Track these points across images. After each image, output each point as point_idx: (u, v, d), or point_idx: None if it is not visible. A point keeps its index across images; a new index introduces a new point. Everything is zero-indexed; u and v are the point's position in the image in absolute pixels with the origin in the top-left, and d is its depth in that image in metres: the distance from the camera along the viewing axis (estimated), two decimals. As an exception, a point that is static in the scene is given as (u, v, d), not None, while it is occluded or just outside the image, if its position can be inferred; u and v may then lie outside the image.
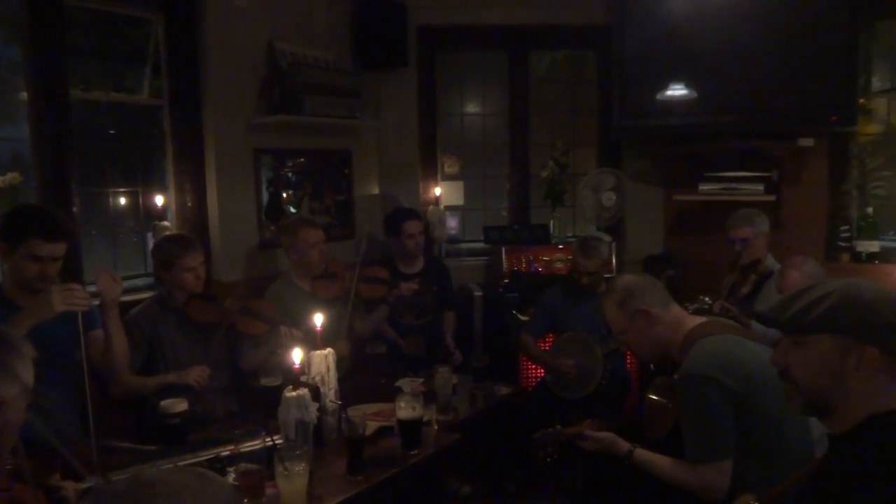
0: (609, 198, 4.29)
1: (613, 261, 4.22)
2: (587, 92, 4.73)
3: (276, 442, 1.92)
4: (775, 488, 1.61)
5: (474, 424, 2.73)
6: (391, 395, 2.65)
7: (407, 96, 4.39)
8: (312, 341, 2.36)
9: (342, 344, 3.14)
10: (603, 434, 2.17)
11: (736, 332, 2.09)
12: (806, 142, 3.86)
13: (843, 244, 3.93)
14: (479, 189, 4.83)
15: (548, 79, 4.93)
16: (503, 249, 4.25)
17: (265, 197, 3.72)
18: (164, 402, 2.29)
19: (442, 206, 4.47)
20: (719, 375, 1.86)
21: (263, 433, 1.98)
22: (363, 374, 3.15)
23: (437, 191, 4.48)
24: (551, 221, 4.52)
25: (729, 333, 2.05)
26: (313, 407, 2.07)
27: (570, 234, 4.69)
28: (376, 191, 4.41)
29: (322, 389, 2.26)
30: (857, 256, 3.89)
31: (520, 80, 4.61)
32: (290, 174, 3.86)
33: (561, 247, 4.34)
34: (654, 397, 2.33)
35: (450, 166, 4.69)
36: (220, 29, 3.43)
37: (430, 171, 4.54)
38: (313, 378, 2.28)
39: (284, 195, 3.83)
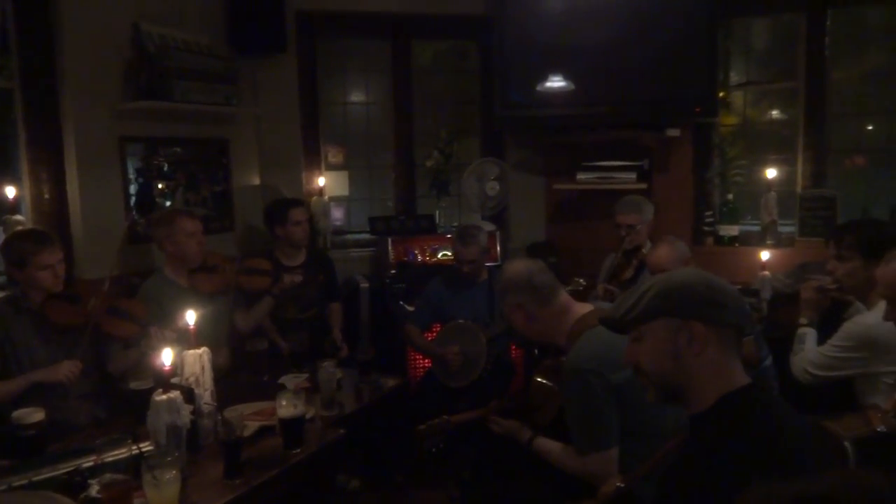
0: (493, 187, 4.35)
1: (498, 249, 4.31)
2: (471, 82, 4.77)
3: (143, 449, 1.80)
4: (639, 468, 1.69)
5: (361, 418, 2.70)
6: (275, 391, 2.59)
7: (287, 83, 4.25)
8: (186, 340, 2.24)
9: (223, 352, 3.01)
10: (509, 421, 2.22)
11: None
12: (673, 132, 4.08)
13: (707, 228, 4.21)
14: (364, 179, 4.77)
15: (432, 68, 4.92)
16: (389, 240, 4.21)
17: (134, 188, 3.49)
18: (17, 413, 2.10)
19: (326, 197, 4.37)
20: (603, 369, 1.91)
21: (129, 440, 1.85)
22: (244, 371, 3.03)
23: (321, 181, 4.38)
24: (437, 211, 4.54)
25: None
26: (186, 410, 1.97)
27: (455, 224, 4.71)
28: (257, 181, 4.24)
29: (197, 391, 2.15)
30: (720, 240, 4.17)
31: (403, 70, 4.58)
32: (162, 164, 3.64)
33: (448, 236, 4.36)
34: (541, 380, 2.38)
35: (333, 156, 4.59)
36: (77, 5, 3.17)
37: (313, 161, 4.43)
38: (187, 379, 2.17)
39: (160, 186, 3.61)
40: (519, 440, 2.17)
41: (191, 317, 2.24)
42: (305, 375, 2.93)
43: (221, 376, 2.88)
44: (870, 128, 4.13)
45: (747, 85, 4.31)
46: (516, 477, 2.24)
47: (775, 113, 4.32)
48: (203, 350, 2.21)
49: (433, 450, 2.31)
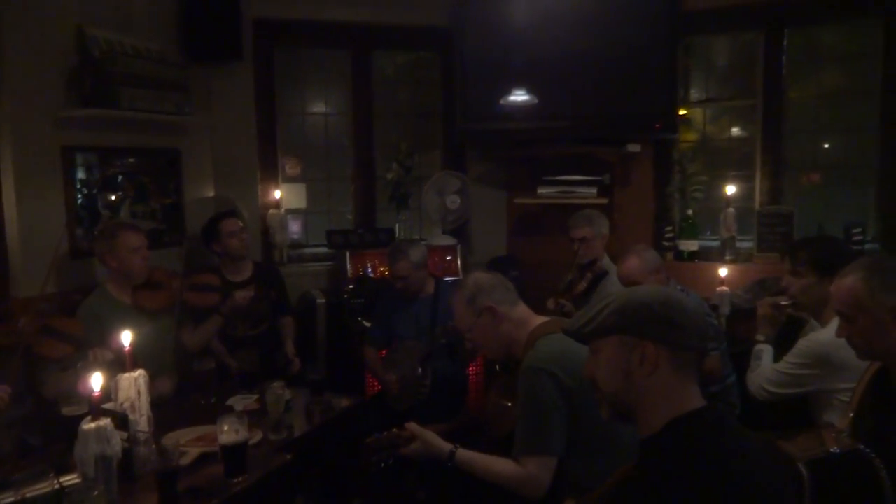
0: (454, 200, 4.29)
1: (459, 263, 4.25)
2: (432, 94, 4.71)
3: (65, 483, 1.67)
4: (592, 493, 1.63)
5: (312, 440, 2.59)
6: (222, 414, 2.47)
7: (242, 92, 4.14)
8: (121, 363, 2.12)
9: (167, 377, 2.88)
10: (426, 435, 2.08)
11: None
12: (634, 147, 4.08)
13: (667, 243, 4.21)
14: (322, 191, 4.66)
15: (394, 80, 4.86)
16: (348, 254, 4.12)
17: (78, 200, 3.33)
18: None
19: (283, 210, 4.26)
20: (558, 371, 1.89)
21: (51, 474, 1.72)
22: (190, 393, 2.90)
23: (278, 193, 4.27)
24: (397, 224, 4.46)
25: None
26: (117, 438, 1.84)
27: (416, 237, 4.65)
28: (210, 193, 4.11)
29: (132, 417, 2.03)
30: (679, 255, 4.17)
31: (363, 80, 4.50)
32: (108, 175, 3.49)
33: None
34: (498, 398, 2.32)
35: (291, 168, 4.48)
36: (17, 8, 3.02)
37: (270, 173, 4.31)
38: (121, 404, 2.05)
39: (112, 197, 3.45)
40: (437, 455, 2.04)
41: (126, 338, 2.12)
42: (255, 396, 2.81)
43: (165, 401, 2.76)
44: (825, 146, 4.18)
45: (707, 102, 4.34)
46: (472, 494, 2.16)
47: (734, 130, 4.35)
48: (139, 373, 2.09)
49: (382, 465, 2.21)
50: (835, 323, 2.18)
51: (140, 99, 3.32)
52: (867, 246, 3.79)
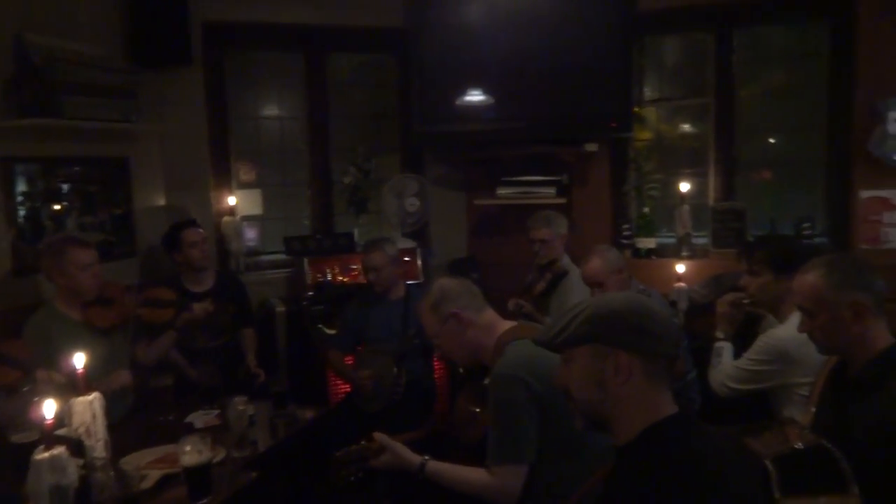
0: (413, 203, 4.26)
1: (419, 265, 4.22)
2: (389, 96, 4.66)
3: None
4: (568, 501, 1.63)
5: (277, 455, 2.53)
6: (182, 432, 2.39)
7: (193, 98, 4.03)
8: (75, 386, 2.03)
9: (123, 373, 2.78)
10: (396, 448, 2.06)
11: None
12: (591, 147, 4.12)
13: (625, 241, 4.25)
14: (278, 197, 4.57)
15: (349, 81, 4.79)
16: (306, 260, 4.05)
17: (21, 213, 3.19)
18: None
19: (238, 217, 4.17)
20: (528, 377, 1.88)
21: (3, 510, 1.64)
22: (147, 411, 2.81)
23: (232, 200, 4.17)
24: (356, 229, 4.41)
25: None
26: (73, 466, 1.77)
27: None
28: (162, 202, 3.99)
29: (87, 442, 1.95)
30: (637, 252, 4.23)
31: (318, 83, 4.43)
32: (52, 186, 3.35)
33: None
34: (467, 405, 2.31)
35: (245, 174, 4.39)
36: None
37: (224, 180, 4.21)
38: (76, 430, 1.96)
39: (57, 208, 3.32)
40: (407, 468, 2.02)
41: (79, 360, 2.03)
42: (216, 411, 2.74)
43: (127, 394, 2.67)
44: (772, 140, 4.28)
45: (660, 101, 4.40)
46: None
47: (687, 128, 4.42)
48: (94, 396, 2.01)
49: (351, 478, 2.18)
50: (793, 318, 2.25)
51: (85, 107, 3.21)
52: (817, 240, 3.90)
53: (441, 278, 2.25)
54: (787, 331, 2.27)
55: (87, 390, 2.02)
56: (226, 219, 4.11)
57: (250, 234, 4.34)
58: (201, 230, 3.49)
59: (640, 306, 1.31)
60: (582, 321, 1.32)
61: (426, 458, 2.01)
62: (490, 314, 2.16)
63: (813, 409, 1.87)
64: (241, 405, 2.44)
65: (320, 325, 3.84)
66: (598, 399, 1.30)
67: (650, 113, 4.41)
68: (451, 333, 2.11)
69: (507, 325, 2.15)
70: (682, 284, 3.80)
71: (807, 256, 2.43)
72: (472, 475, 1.96)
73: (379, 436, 2.08)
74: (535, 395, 1.88)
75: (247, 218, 4.29)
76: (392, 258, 3.42)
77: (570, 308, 1.38)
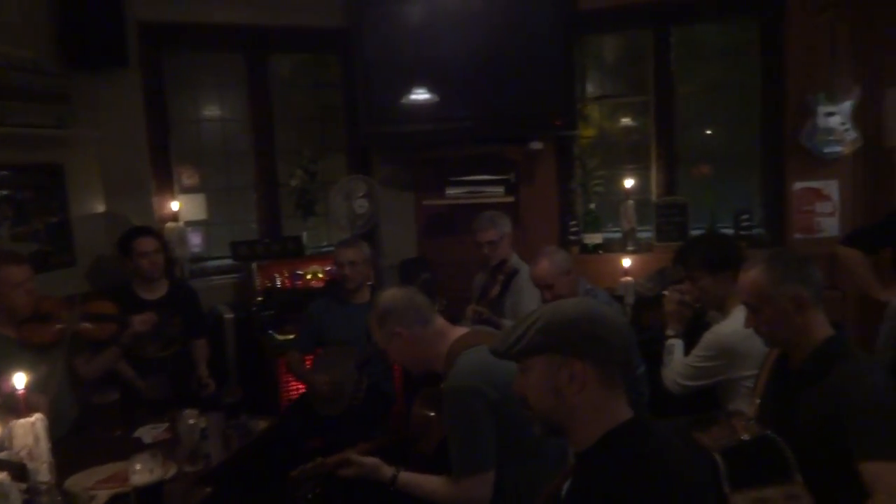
0: (361, 205, 4.23)
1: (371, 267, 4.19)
2: (334, 95, 4.61)
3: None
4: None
5: (232, 468, 2.48)
6: (130, 448, 2.32)
7: (130, 101, 3.89)
8: (14, 408, 1.94)
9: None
10: (367, 459, 2.09)
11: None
12: (536, 145, 4.16)
13: (572, 237, 4.33)
14: (223, 201, 4.47)
15: (292, 82, 4.72)
16: (254, 265, 3.98)
17: (-53, 225, 3.04)
18: None
19: (182, 222, 4.06)
20: (483, 386, 1.89)
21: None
22: (93, 427, 2.71)
23: (175, 205, 4.06)
24: (304, 232, 4.35)
25: (491, 343, 2.09)
26: (16, 493, 1.70)
27: (324, 244, 4.56)
28: (101, 209, 3.85)
29: (30, 465, 1.87)
30: (585, 248, 4.30)
31: (260, 84, 4.35)
32: (-20, 195, 3.20)
33: (317, 257, 4.20)
34: (422, 410, 2.31)
35: (188, 178, 4.28)
36: None
37: (165, 184, 4.09)
38: (17, 453, 1.88)
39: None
40: (380, 479, 2.04)
41: (19, 380, 1.95)
42: (165, 425, 2.67)
43: (65, 434, 2.58)
44: (709, 132, 4.41)
45: (602, 98, 4.48)
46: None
47: (629, 124, 4.52)
48: (36, 417, 1.93)
49: (309, 496, 2.16)
50: (735, 313, 2.33)
51: (14, 112, 3.08)
52: (754, 231, 4.05)
53: (385, 292, 2.20)
54: (730, 326, 2.34)
55: (28, 411, 1.93)
56: (169, 224, 4.00)
57: (195, 240, 4.24)
58: (154, 240, 3.39)
59: (592, 314, 1.32)
60: (536, 331, 1.32)
61: (398, 470, 2.01)
62: (439, 323, 2.14)
63: (757, 401, 1.94)
64: (191, 418, 2.38)
65: (270, 332, 3.77)
66: (555, 407, 1.31)
67: (593, 110, 4.49)
68: (397, 349, 2.12)
69: (459, 332, 2.15)
70: (628, 279, 3.88)
71: (734, 247, 2.54)
72: (441, 486, 1.97)
73: (352, 457, 2.09)
74: (490, 403, 1.89)
75: (191, 223, 4.19)
76: (366, 257, 3.46)
77: (523, 318, 1.38)
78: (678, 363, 2.52)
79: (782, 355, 1.91)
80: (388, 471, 2.03)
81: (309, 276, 4.08)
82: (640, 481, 1.20)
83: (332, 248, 3.98)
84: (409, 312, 2.08)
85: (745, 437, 1.70)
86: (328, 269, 4.09)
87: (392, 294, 2.16)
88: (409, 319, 2.08)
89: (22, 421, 1.90)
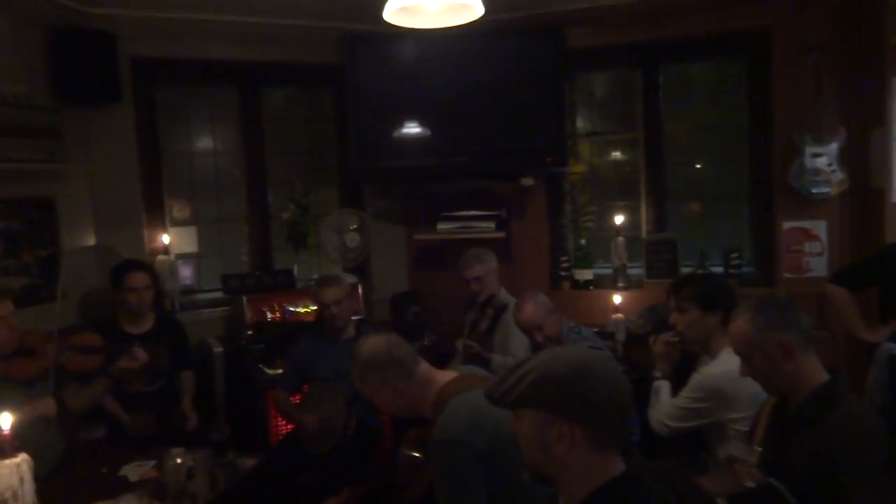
0: (353, 238, 4.24)
1: (360, 300, 4.19)
2: (326, 129, 4.65)
3: None
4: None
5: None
6: (116, 486, 2.30)
7: (123, 135, 3.90)
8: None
9: (49, 400, 2.64)
10: None
11: (485, 385, 2.12)
12: (527, 181, 4.20)
13: (563, 273, 4.34)
14: (214, 234, 4.46)
15: (284, 114, 4.75)
16: (244, 298, 3.96)
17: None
18: None
19: (172, 255, 4.05)
20: (470, 437, 1.86)
21: None
22: (79, 464, 2.67)
23: (166, 238, 4.05)
24: (295, 265, 4.35)
25: (479, 387, 2.07)
26: (-1, 539, 1.67)
27: (315, 277, 4.54)
28: (91, 242, 3.84)
29: (13, 509, 1.85)
30: (575, 283, 4.32)
31: (252, 118, 4.38)
32: (-28, 229, 3.19)
33: (307, 291, 4.19)
34: (409, 452, 2.28)
35: (179, 211, 4.28)
36: None
37: (157, 217, 4.09)
38: (2, 495, 1.85)
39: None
40: None
41: (5, 420, 1.93)
42: (152, 463, 2.63)
43: (52, 471, 2.54)
44: (698, 166, 4.46)
45: (593, 135, 4.53)
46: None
47: (619, 160, 4.57)
48: (21, 458, 1.91)
49: None
50: (724, 355, 2.34)
51: (6, 148, 3.08)
52: (744, 269, 4.07)
53: (365, 343, 2.12)
54: (719, 367, 2.35)
55: (13, 452, 1.91)
56: (160, 258, 3.98)
57: (185, 273, 4.22)
58: (146, 275, 3.37)
59: (587, 373, 1.28)
60: (527, 385, 1.30)
61: None
62: (423, 370, 2.09)
63: (758, 449, 1.92)
64: (178, 457, 2.35)
65: (261, 366, 3.75)
66: (543, 462, 1.30)
67: (583, 146, 4.54)
68: (384, 400, 2.09)
69: (446, 377, 2.10)
70: (619, 315, 3.90)
71: (729, 292, 2.56)
72: None
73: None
74: (479, 454, 1.86)
75: (181, 256, 4.18)
76: (349, 292, 3.42)
77: (519, 363, 1.37)
78: (665, 404, 2.52)
79: (780, 401, 1.92)
80: None
81: (301, 310, 4.06)
82: None
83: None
84: (389, 366, 2.04)
85: (750, 484, 1.70)
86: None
87: (372, 346, 2.09)
88: (390, 372, 2.04)
89: (7, 461, 1.88)
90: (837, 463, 1.64)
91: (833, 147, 3.65)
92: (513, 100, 4.10)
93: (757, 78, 4.04)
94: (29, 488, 1.92)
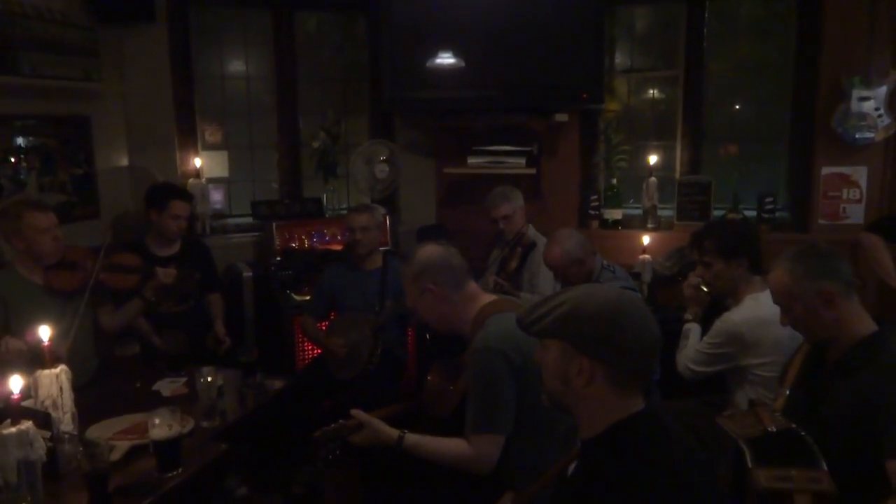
0: (382, 169, 4.22)
1: (388, 232, 4.21)
2: (360, 57, 4.57)
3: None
4: (531, 486, 1.68)
5: (247, 426, 2.54)
6: (149, 400, 2.39)
7: (156, 56, 3.90)
8: (40, 359, 2.00)
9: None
10: (373, 421, 2.09)
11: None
12: (561, 117, 4.11)
13: (592, 212, 4.30)
14: (245, 159, 4.49)
15: (317, 41, 4.67)
16: (274, 225, 4.01)
17: (-23, 173, 3.09)
18: None
19: (204, 179, 4.09)
20: (508, 350, 1.91)
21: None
22: (113, 379, 2.78)
23: (198, 162, 4.08)
24: (324, 194, 4.36)
25: (516, 311, 2.10)
26: (40, 441, 1.76)
27: (343, 207, 4.57)
28: (125, 163, 3.89)
29: (54, 415, 1.94)
30: (604, 223, 4.28)
31: (286, 42, 4.32)
32: (9, 145, 3.24)
33: (335, 220, 4.22)
34: (436, 379, 2.33)
35: (211, 135, 4.29)
36: None
37: (189, 140, 4.11)
38: (42, 402, 1.95)
39: (14, 169, 3.21)
40: (386, 442, 2.04)
41: (45, 332, 2.00)
42: (183, 380, 2.73)
43: (87, 383, 2.65)
44: (741, 117, 4.33)
45: (631, 72, 4.40)
46: (414, 479, 2.18)
47: (656, 99, 4.44)
48: (60, 369, 1.99)
49: (329, 456, 2.21)
50: (747, 301, 2.35)
51: (43, 64, 3.10)
52: (778, 214, 3.99)
53: (425, 247, 2.18)
54: (740, 314, 2.34)
55: (53, 363, 1.99)
56: (191, 181, 4.03)
57: (216, 197, 4.27)
58: (189, 206, 3.42)
59: (617, 314, 1.26)
60: (555, 317, 1.30)
61: (404, 431, 2.04)
62: (471, 288, 2.14)
63: (786, 392, 1.92)
64: (209, 376, 2.43)
65: (289, 291, 3.82)
66: (562, 392, 1.32)
67: (619, 84, 4.41)
68: (427, 305, 2.12)
69: (489, 298, 2.15)
70: (646, 256, 3.87)
71: (751, 237, 2.52)
72: (449, 445, 1.99)
73: (357, 413, 2.10)
74: (514, 367, 1.91)
75: (212, 180, 4.22)
76: (378, 223, 3.46)
77: (553, 295, 1.37)
78: (691, 349, 2.52)
79: (816, 347, 1.90)
80: (392, 432, 2.03)
81: (328, 238, 4.10)
82: (643, 477, 1.20)
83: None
84: (444, 271, 2.08)
85: (772, 428, 1.70)
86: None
87: (430, 250, 2.14)
88: (443, 278, 2.08)
89: (47, 371, 1.96)
90: (880, 411, 1.62)
91: (882, 91, 3.51)
92: (550, 32, 3.97)
93: (807, 15, 3.86)
94: (68, 397, 2.00)
